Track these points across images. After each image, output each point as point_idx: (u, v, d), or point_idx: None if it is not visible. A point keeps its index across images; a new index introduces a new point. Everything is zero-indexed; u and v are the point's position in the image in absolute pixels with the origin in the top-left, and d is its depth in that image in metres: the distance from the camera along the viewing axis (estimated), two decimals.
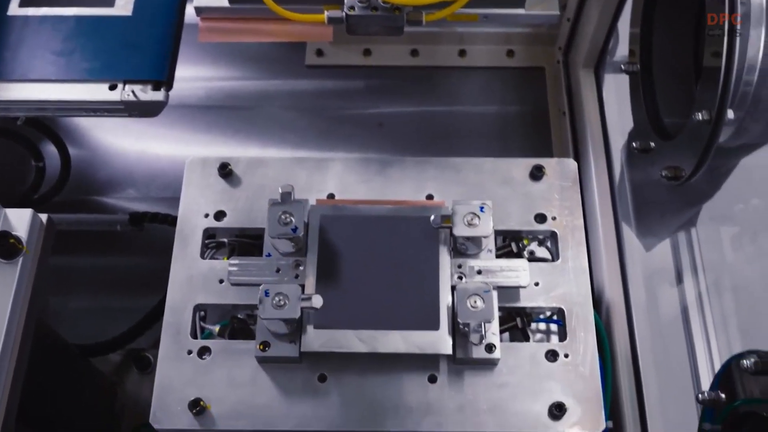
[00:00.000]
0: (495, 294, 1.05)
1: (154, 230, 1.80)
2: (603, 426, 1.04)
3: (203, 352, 1.09)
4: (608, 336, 1.45)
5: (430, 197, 1.19)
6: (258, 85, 2.03)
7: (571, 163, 1.21)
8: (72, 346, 1.46)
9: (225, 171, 1.20)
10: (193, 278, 1.13)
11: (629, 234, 1.59)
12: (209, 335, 1.12)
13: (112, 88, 1.23)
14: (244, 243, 1.20)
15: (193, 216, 1.18)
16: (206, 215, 1.18)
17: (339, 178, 1.21)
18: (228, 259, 1.15)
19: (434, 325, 1.05)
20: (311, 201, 1.16)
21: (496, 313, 1.05)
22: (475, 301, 1.02)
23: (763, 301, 1.28)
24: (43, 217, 1.14)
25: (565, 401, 1.04)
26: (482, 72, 2.04)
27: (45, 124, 1.90)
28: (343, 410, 1.05)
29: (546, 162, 1.21)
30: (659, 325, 1.48)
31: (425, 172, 1.21)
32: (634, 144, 1.51)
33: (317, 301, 1.01)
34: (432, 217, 1.10)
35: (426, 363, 1.07)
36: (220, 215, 1.18)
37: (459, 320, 1.02)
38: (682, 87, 1.47)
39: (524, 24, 1.50)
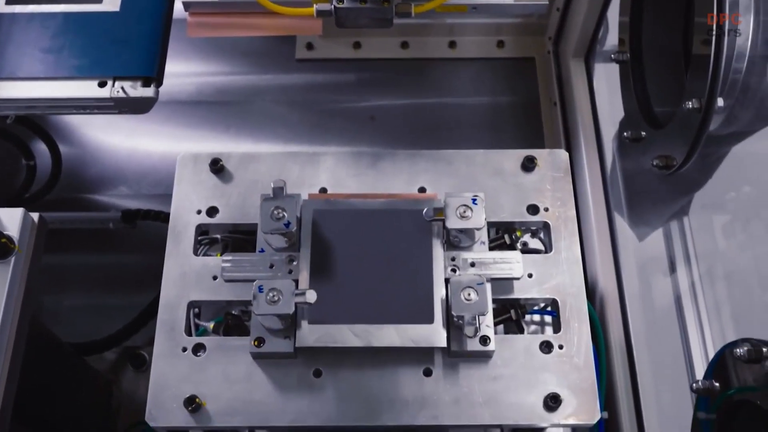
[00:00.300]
0: (489, 286, 1.05)
1: (147, 227, 1.79)
2: (598, 416, 1.04)
3: (198, 349, 1.08)
4: (602, 326, 1.45)
5: (422, 190, 1.19)
6: (248, 79, 2.03)
7: (563, 154, 1.21)
8: (67, 345, 1.46)
9: (217, 167, 1.20)
10: (186, 275, 1.13)
11: (622, 224, 1.60)
12: (204, 332, 1.12)
13: (102, 85, 1.22)
14: (237, 239, 1.20)
15: (186, 212, 1.18)
16: (198, 211, 1.18)
17: (331, 172, 1.20)
18: (221, 255, 1.15)
19: (428, 319, 1.05)
20: (304, 195, 1.16)
21: (490, 306, 1.05)
22: (469, 294, 1.02)
23: (756, 289, 1.28)
24: (35, 216, 1.14)
25: (560, 392, 1.04)
26: (473, 63, 2.04)
27: (35, 122, 1.89)
28: (339, 405, 1.05)
29: (538, 153, 1.21)
30: (653, 315, 1.49)
31: (417, 164, 1.21)
32: (625, 133, 1.52)
33: (311, 296, 1.01)
34: (425, 210, 1.09)
35: (421, 356, 1.07)
36: (212, 211, 1.18)
37: (453, 313, 1.02)
38: (673, 75, 1.47)
39: (514, 14, 1.49)
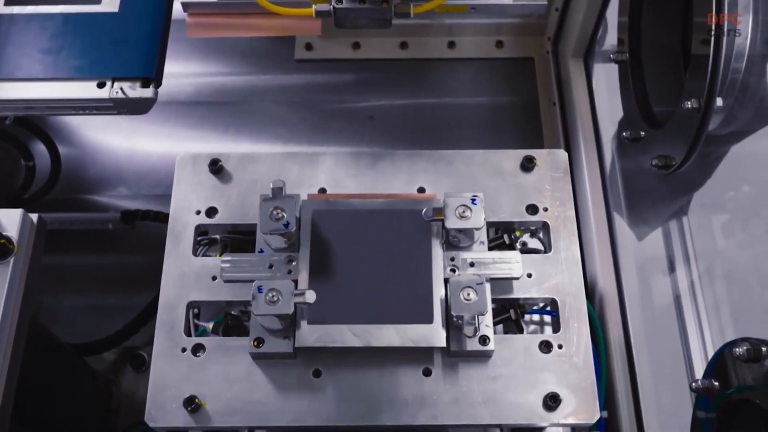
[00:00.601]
0: (488, 286, 1.05)
1: (146, 228, 1.80)
2: (597, 416, 1.04)
3: (197, 349, 1.08)
4: (601, 326, 1.45)
5: (421, 190, 1.19)
6: (248, 80, 2.03)
7: (562, 154, 1.21)
8: (66, 345, 1.46)
9: (216, 167, 1.20)
10: (185, 275, 1.13)
11: (621, 223, 1.60)
12: (203, 332, 1.12)
13: (101, 85, 1.22)
14: (237, 239, 1.19)
15: (185, 213, 1.18)
16: (198, 212, 1.18)
17: (330, 172, 1.20)
18: (220, 255, 1.15)
19: (428, 319, 1.05)
20: (303, 196, 1.16)
21: (490, 305, 1.05)
22: (469, 294, 1.02)
23: (755, 288, 1.28)
24: (34, 216, 1.14)
25: (559, 392, 1.04)
26: (472, 63, 2.04)
27: (34, 123, 1.89)
28: (339, 405, 1.05)
29: (537, 153, 1.21)
30: (652, 314, 1.49)
31: (416, 165, 1.21)
32: (624, 133, 1.52)
33: (310, 297, 1.01)
34: (424, 210, 1.09)
35: (420, 356, 1.07)
36: (211, 212, 1.18)
37: (452, 313, 1.02)
38: (672, 75, 1.47)
39: (513, 14, 1.49)
